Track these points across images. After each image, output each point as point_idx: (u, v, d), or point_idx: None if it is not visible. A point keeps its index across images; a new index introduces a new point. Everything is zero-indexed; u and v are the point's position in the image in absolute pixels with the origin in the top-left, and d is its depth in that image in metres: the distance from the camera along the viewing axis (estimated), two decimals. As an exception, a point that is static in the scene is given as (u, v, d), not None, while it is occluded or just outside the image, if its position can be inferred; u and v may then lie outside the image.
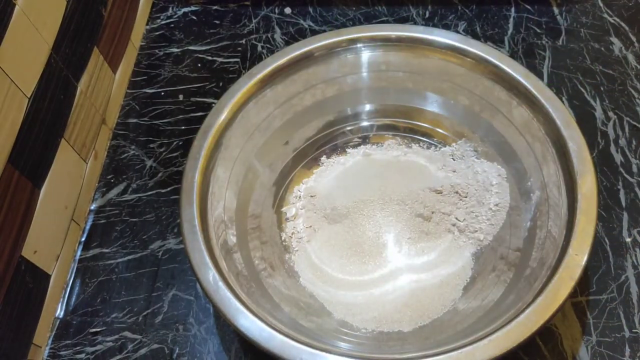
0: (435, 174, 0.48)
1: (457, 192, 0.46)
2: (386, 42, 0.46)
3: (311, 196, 0.48)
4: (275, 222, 0.47)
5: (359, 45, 0.47)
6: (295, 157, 0.49)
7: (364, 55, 0.47)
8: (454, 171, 0.48)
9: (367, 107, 0.50)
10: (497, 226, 0.45)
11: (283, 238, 0.46)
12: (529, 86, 0.42)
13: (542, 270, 0.37)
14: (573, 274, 0.34)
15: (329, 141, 0.50)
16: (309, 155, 0.50)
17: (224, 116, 0.43)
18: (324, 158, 0.50)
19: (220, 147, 0.42)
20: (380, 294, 0.43)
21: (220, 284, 0.35)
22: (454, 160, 0.49)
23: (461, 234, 0.45)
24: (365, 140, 0.51)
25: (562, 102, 0.54)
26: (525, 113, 0.43)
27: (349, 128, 0.51)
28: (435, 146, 0.50)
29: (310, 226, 0.47)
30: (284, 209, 0.48)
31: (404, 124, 0.51)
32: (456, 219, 0.46)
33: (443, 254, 0.45)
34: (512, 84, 0.43)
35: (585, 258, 0.34)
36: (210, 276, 0.35)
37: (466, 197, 0.46)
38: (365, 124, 0.51)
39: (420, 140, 0.50)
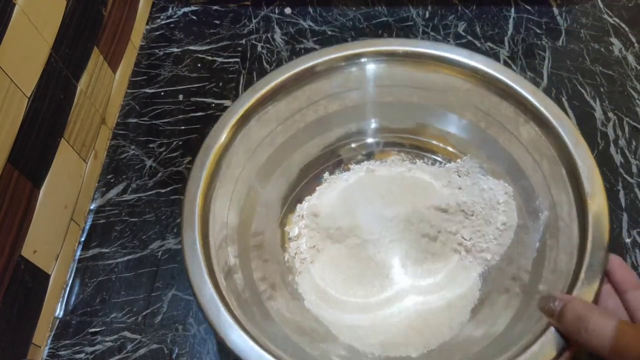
0: (440, 192, 0.47)
1: (463, 211, 0.45)
2: (390, 56, 0.46)
3: (314, 215, 0.47)
4: (278, 241, 0.46)
5: (363, 60, 0.46)
6: (298, 174, 0.48)
7: (368, 70, 0.46)
8: (460, 188, 0.47)
9: (371, 122, 0.49)
10: (504, 245, 0.43)
11: (286, 259, 0.45)
12: (536, 103, 0.41)
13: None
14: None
15: (332, 157, 0.49)
16: (312, 172, 0.49)
17: (225, 135, 0.42)
18: (326, 175, 0.49)
19: (222, 167, 0.41)
20: (386, 317, 0.42)
21: (221, 309, 0.34)
22: (460, 177, 0.47)
23: (468, 254, 0.44)
24: (369, 156, 0.50)
25: (563, 104, 0.54)
26: (532, 131, 0.42)
27: (353, 145, 0.50)
28: (440, 162, 0.49)
29: (314, 246, 0.45)
30: (286, 228, 0.47)
31: (408, 140, 0.50)
32: (462, 238, 0.44)
33: (450, 274, 0.43)
34: (519, 100, 0.42)
35: (597, 288, 0.33)
36: (211, 301, 0.35)
37: (472, 215, 0.45)
38: (369, 140, 0.50)
39: (425, 156, 0.49)
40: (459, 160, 0.48)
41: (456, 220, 0.45)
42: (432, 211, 0.45)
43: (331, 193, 0.48)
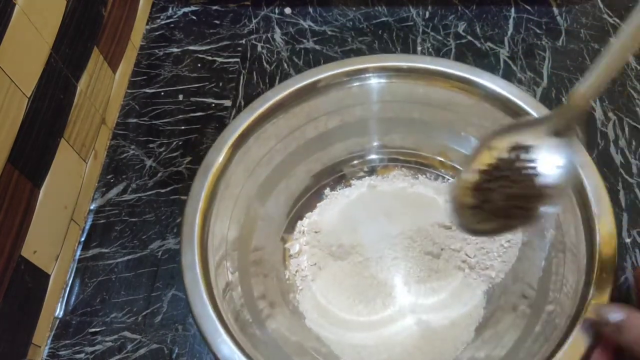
0: (443, 207, 0.46)
1: None
2: (392, 72, 0.45)
3: (315, 232, 0.46)
4: (279, 258, 0.45)
5: (363, 75, 0.45)
6: (298, 190, 0.48)
7: (368, 86, 0.45)
8: None
9: (372, 138, 0.49)
10: (509, 263, 0.43)
11: (287, 276, 0.45)
12: None
13: (561, 318, 0.35)
14: None
15: (333, 173, 0.49)
16: (313, 188, 0.48)
17: (223, 154, 0.41)
18: (327, 190, 0.49)
19: (220, 186, 0.41)
20: (390, 335, 0.41)
21: (222, 331, 0.34)
22: None
23: (472, 271, 0.43)
24: (370, 172, 0.49)
25: (562, 102, 0.54)
26: None
27: (355, 161, 0.49)
28: (443, 177, 0.48)
29: (315, 264, 0.45)
30: (287, 245, 0.46)
31: (410, 155, 0.49)
32: (466, 255, 0.44)
33: (454, 292, 0.43)
34: (522, 116, 0.41)
35: None
36: (213, 327, 0.34)
37: None
38: (371, 156, 0.49)
39: (427, 171, 0.49)
40: None
41: (460, 237, 0.44)
42: (436, 228, 0.44)
43: (333, 209, 0.47)
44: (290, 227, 0.47)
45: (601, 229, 0.35)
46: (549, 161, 0.29)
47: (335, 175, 0.49)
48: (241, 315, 0.38)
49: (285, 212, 0.47)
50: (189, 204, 0.39)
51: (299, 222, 0.47)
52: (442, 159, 0.49)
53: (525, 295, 0.40)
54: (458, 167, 0.48)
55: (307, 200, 0.48)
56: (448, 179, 0.48)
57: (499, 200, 0.28)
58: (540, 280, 0.39)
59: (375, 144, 0.49)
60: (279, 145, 0.45)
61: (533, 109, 0.41)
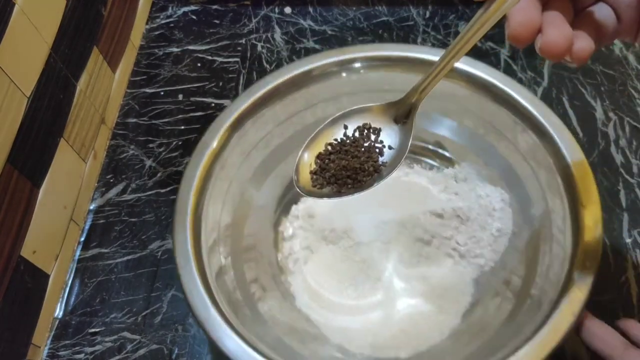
0: (436, 196, 0.47)
1: (458, 216, 0.45)
2: (389, 62, 0.45)
3: (310, 216, 0.47)
4: (271, 242, 0.46)
5: (358, 64, 0.46)
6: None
7: (364, 75, 0.46)
8: (456, 194, 0.47)
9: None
10: (498, 252, 0.44)
11: (279, 259, 0.46)
12: (534, 112, 0.41)
13: (544, 303, 0.36)
14: (574, 309, 0.34)
15: None
16: None
17: (220, 136, 0.42)
18: None
19: (216, 168, 0.41)
20: (378, 319, 0.42)
21: (213, 311, 0.34)
22: (457, 182, 0.48)
23: (462, 259, 0.44)
24: None
25: (564, 104, 0.54)
26: (530, 139, 0.42)
27: None
28: (438, 168, 0.49)
29: (307, 247, 0.46)
30: (280, 228, 0.47)
31: None
32: (457, 243, 0.45)
33: (443, 279, 0.44)
34: (517, 108, 0.42)
35: (587, 294, 0.34)
36: (203, 305, 0.35)
37: (468, 221, 0.45)
38: None
39: (422, 161, 0.49)
40: (456, 165, 0.48)
41: (451, 225, 0.45)
42: (428, 216, 0.45)
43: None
44: (285, 211, 0.48)
45: (588, 219, 0.36)
46: (387, 142, 0.34)
47: None
48: (233, 297, 0.38)
49: (280, 196, 0.48)
50: (184, 182, 0.40)
51: (294, 207, 0.48)
52: (438, 149, 0.49)
53: (511, 281, 0.41)
54: (453, 157, 0.48)
55: None
56: (443, 169, 0.49)
57: (335, 168, 0.33)
58: (527, 268, 0.40)
59: None
60: (275, 130, 0.46)
61: (528, 102, 0.42)
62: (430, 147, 0.49)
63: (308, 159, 0.35)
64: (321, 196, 0.34)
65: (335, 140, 0.35)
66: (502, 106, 0.43)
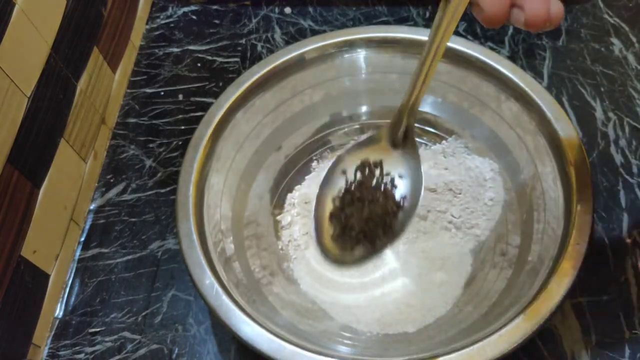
0: (427, 173, 0.47)
1: (450, 190, 0.46)
2: (369, 44, 0.46)
3: (306, 202, 0.47)
4: (271, 230, 0.46)
5: (343, 48, 0.46)
6: (288, 163, 0.49)
7: (348, 58, 0.47)
8: (446, 169, 0.48)
9: (358, 109, 0.50)
10: (493, 221, 0.45)
11: (280, 246, 0.46)
12: (516, 80, 0.42)
13: (544, 264, 0.37)
14: (576, 264, 0.34)
15: (319, 146, 0.50)
16: (301, 161, 0.50)
17: (212, 128, 0.42)
18: (315, 163, 0.50)
19: (212, 159, 0.42)
20: (382, 295, 0.43)
21: (223, 296, 0.35)
22: (445, 157, 0.48)
23: (458, 231, 0.45)
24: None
25: (564, 104, 0.54)
26: (514, 107, 0.43)
27: (340, 132, 0.50)
28: (426, 145, 0.50)
29: (307, 233, 0.46)
30: (278, 217, 0.47)
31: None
32: (452, 216, 0.45)
33: (441, 251, 0.45)
34: (499, 78, 0.43)
35: (586, 246, 0.34)
36: (212, 289, 0.35)
37: (460, 193, 0.46)
38: (357, 126, 0.51)
39: None
40: (444, 141, 0.49)
41: (445, 199, 0.46)
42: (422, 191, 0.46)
43: (321, 180, 0.49)
44: (281, 200, 0.48)
45: (577, 176, 0.37)
46: (395, 172, 0.30)
47: (323, 148, 0.50)
48: (241, 284, 0.39)
49: (274, 186, 0.48)
50: (182, 175, 0.40)
51: (289, 195, 0.48)
52: (425, 127, 0.50)
53: (509, 250, 0.42)
54: (441, 133, 0.49)
55: (295, 173, 0.49)
56: (431, 146, 0.49)
57: (358, 223, 0.28)
58: (523, 234, 0.41)
59: (357, 114, 0.51)
60: (266, 119, 0.46)
61: (510, 71, 0.43)
62: (417, 125, 0.49)
63: (323, 225, 0.31)
64: (360, 260, 0.30)
65: (340, 191, 0.32)
66: (484, 78, 0.44)
